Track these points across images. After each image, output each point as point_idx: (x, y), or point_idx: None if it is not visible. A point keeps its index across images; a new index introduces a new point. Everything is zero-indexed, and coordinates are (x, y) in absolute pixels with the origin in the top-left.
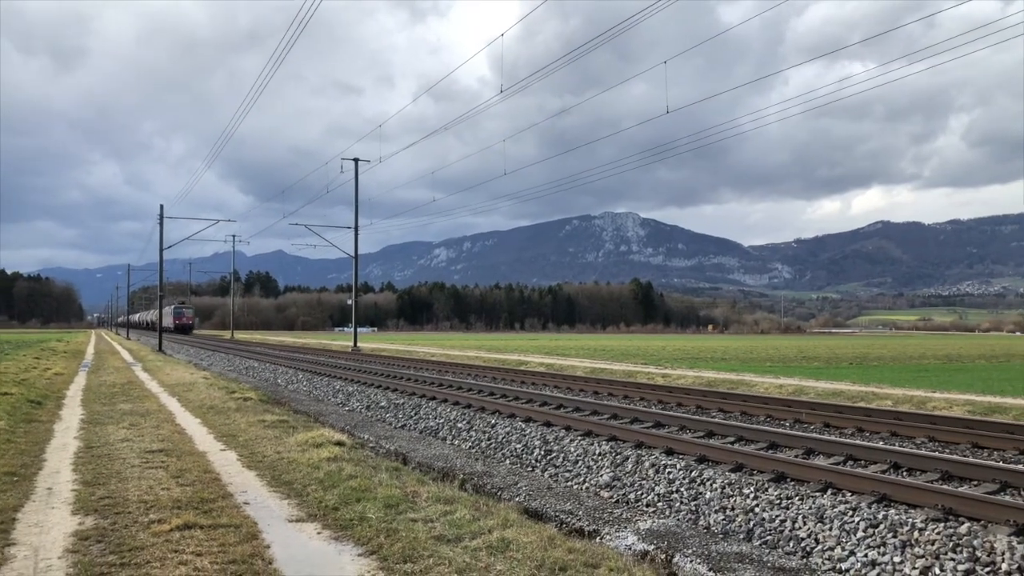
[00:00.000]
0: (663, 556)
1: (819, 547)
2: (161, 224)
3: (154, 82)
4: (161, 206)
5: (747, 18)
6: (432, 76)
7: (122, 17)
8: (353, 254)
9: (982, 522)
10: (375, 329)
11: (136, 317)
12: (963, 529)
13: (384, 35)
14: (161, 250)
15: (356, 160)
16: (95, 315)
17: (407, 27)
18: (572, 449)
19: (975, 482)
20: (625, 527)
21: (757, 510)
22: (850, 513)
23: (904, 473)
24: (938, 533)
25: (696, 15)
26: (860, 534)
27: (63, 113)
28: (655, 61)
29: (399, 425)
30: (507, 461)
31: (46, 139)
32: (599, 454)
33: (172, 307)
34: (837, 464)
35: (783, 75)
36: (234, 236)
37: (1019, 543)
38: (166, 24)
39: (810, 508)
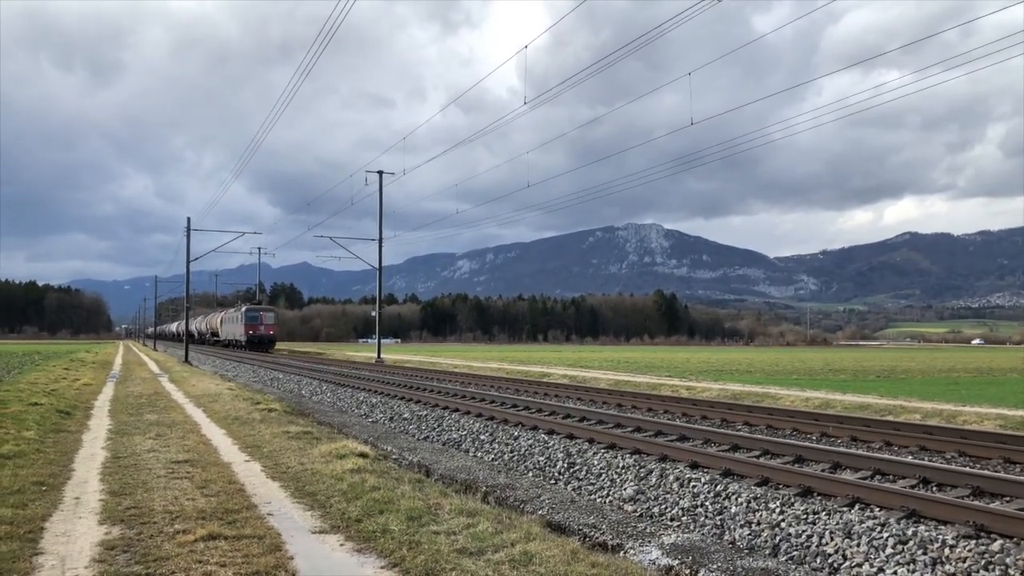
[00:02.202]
0: (688, 571)
1: (847, 563)
2: (188, 236)
3: (186, 95)
4: (188, 219)
5: (780, 26)
6: (463, 88)
7: (157, 31)
8: (377, 266)
9: (1015, 539)
10: (398, 340)
11: (175, 327)
12: (995, 546)
13: (416, 48)
14: (188, 262)
15: (380, 172)
16: (123, 326)
17: (439, 40)
18: (595, 462)
19: (1007, 498)
20: (649, 542)
21: (783, 525)
22: (878, 529)
23: (934, 488)
24: (970, 550)
25: (729, 25)
26: (889, 550)
27: (98, 127)
28: (686, 72)
29: (422, 437)
30: (530, 474)
31: (82, 153)
32: (623, 467)
33: (243, 309)
34: (865, 479)
35: (817, 85)
36: (259, 248)
37: None
38: (199, 37)
39: (837, 523)
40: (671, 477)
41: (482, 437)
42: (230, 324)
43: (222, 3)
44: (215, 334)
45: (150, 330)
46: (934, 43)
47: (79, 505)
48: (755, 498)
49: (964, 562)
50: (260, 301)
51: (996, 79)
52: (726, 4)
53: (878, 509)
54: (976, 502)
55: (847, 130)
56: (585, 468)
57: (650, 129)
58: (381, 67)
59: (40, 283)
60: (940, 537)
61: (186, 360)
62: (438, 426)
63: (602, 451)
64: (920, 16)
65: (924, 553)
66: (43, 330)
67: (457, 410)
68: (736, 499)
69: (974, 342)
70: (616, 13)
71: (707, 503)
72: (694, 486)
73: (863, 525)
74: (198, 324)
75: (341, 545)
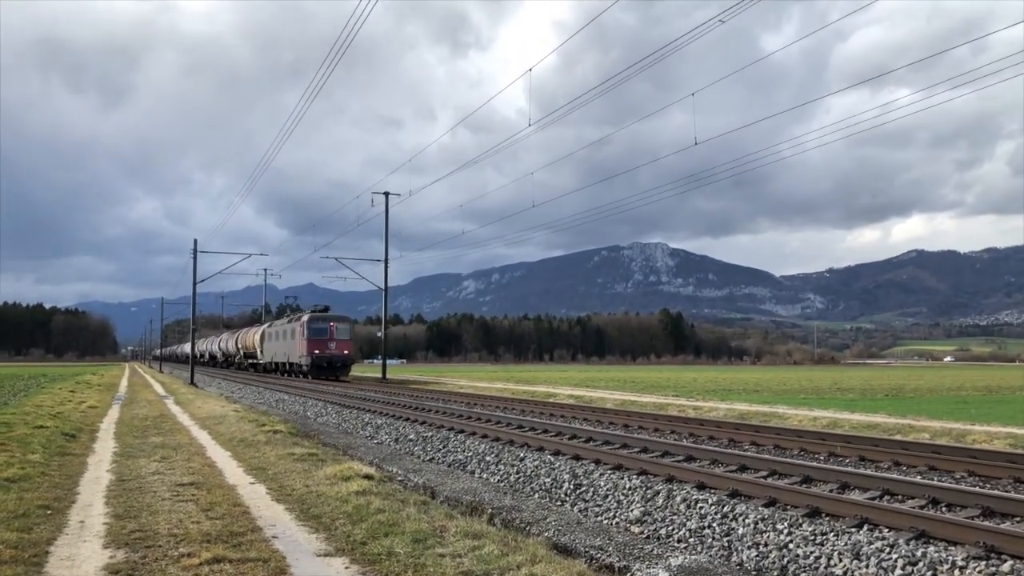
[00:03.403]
0: None
1: None
2: (195, 258)
3: (196, 117)
4: (195, 240)
5: (787, 44)
6: (472, 109)
7: (168, 53)
8: (383, 286)
9: None
10: (404, 361)
11: (203, 347)
12: (1006, 567)
13: (425, 68)
14: (195, 284)
15: (387, 194)
16: (129, 348)
17: (447, 61)
18: (602, 483)
19: (1018, 519)
20: (656, 563)
21: (791, 546)
22: (887, 550)
23: (943, 509)
24: (980, 572)
25: (738, 45)
26: (898, 572)
27: (108, 149)
28: (694, 92)
29: (427, 458)
30: (536, 495)
31: (91, 175)
32: (629, 488)
33: (304, 319)
34: (873, 499)
35: (825, 104)
36: (266, 270)
37: None
38: (209, 59)
39: (846, 544)
40: (678, 498)
41: (488, 458)
42: (280, 341)
43: (233, 25)
44: (250, 355)
45: (160, 351)
46: (943, 61)
47: (84, 529)
48: (763, 519)
49: None
50: (326, 308)
51: (1006, 96)
52: (736, 25)
53: (887, 530)
54: (986, 523)
55: (855, 149)
56: (591, 489)
57: (658, 149)
58: (390, 87)
59: (47, 305)
60: (950, 558)
61: (191, 382)
62: (443, 447)
63: (608, 472)
64: (930, 34)
65: (934, 574)
66: (49, 352)
67: (463, 431)
68: (743, 520)
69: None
70: (626, 33)
71: (714, 524)
72: (701, 507)
73: (872, 546)
74: (223, 344)
75: (346, 568)
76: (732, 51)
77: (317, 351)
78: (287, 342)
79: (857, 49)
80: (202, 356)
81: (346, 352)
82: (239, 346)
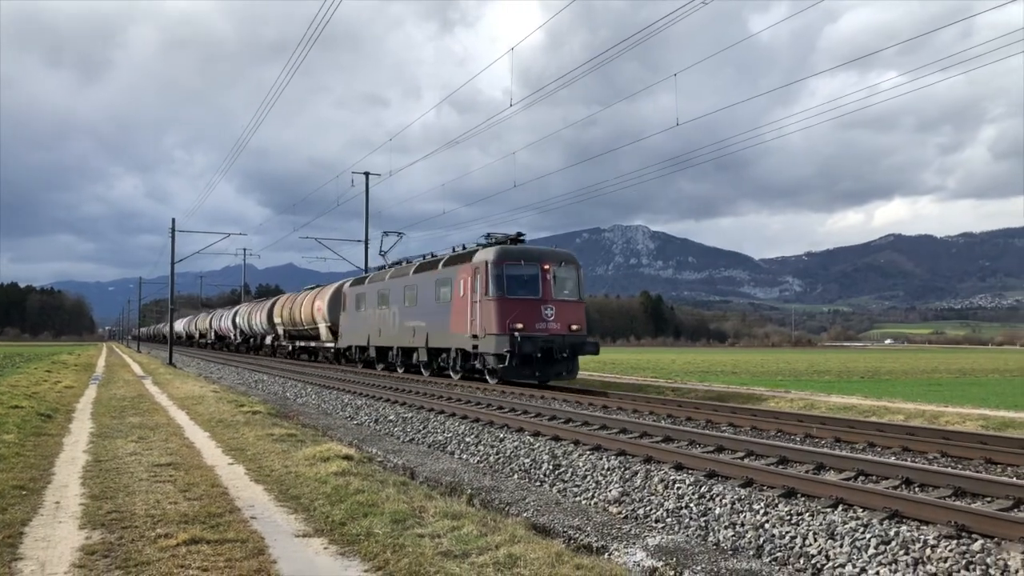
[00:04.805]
0: (672, 573)
1: (830, 564)
2: (173, 238)
3: (177, 94)
4: (173, 220)
5: (774, 23)
6: (460, 88)
7: (148, 29)
8: (364, 267)
9: (996, 539)
10: None
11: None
12: (976, 546)
13: (412, 47)
14: (173, 263)
15: (367, 174)
16: (106, 328)
17: (435, 38)
18: (581, 464)
19: (988, 498)
20: (634, 543)
21: (767, 526)
22: (861, 530)
23: (916, 489)
24: (951, 550)
25: (726, 26)
26: (872, 551)
27: (87, 126)
28: (683, 73)
29: (407, 439)
30: (515, 476)
31: (69, 153)
32: (608, 469)
33: (490, 254)
34: (848, 479)
35: (811, 87)
36: (244, 250)
37: None
38: (191, 35)
39: (821, 524)
40: (656, 479)
41: (467, 439)
42: (392, 308)
43: (215, 1)
44: (302, 335)
45: (136, 331)
46: (931, 44)
47: (59, 509)
48: (739, 499)
49: (945, 562)
50: (518, 236)
51: (996, 81)
52: (724, 6)
53: (861, 510)
54: (958, 502)
55: (841, 132)
56: (570, 470)
57: (645, 132)
58: (376, 66)
59: (22, 284)
60: (922, 537)
61: (170, 362)
62: (423, 428)
63: (588, 453)
64: (922, 17)
65: (906, 553)
66: (25, 332)
67: (442, 412)
68: (720, 500)
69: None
70: (613, 12)
71: (692, 504)
72: (679, 488)
73: (846, 526)
74: (243, 319)
75: (325, 548)
76: (723, 34)
77: (521, 325)
78: (421, 310)
79: (847, 31)
80: (202, 337)
81: (575, 328)
82: (279, 320)
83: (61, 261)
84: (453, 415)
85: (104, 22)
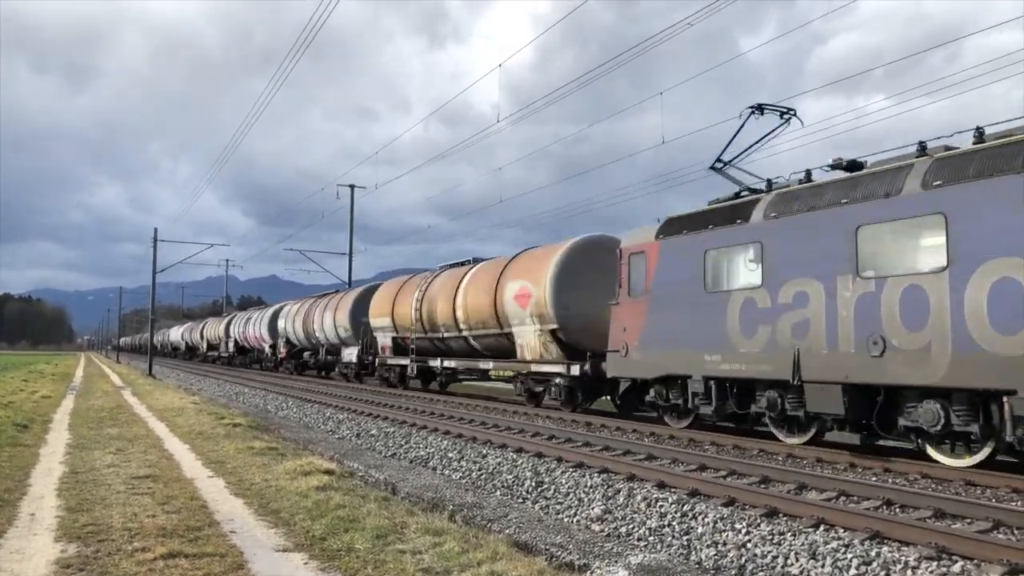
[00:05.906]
0: None
1: None
2: (155, 247)
3: (164, 102)
4: (155, 229)
5: (763, 43)
6: (449, 102)
7: (136, 36)
8: (347, 280)
9: (975, 561)
10: None
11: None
12: (956, 568)
13: (402, 60)
14: (154, 273)
15: (352, 187)
16: (85, 337)
17: (424, 52)
18: (563, 481)
19: (968, 520)
20: (616, 562)
21: (749, 546)
22: (843, 550)
23: (897, 510)
24: (931, 572)
25: (717, 51)
26: (853, 571)
27: (71, 132)
28: (674, 92)
29: (389, 454)
30: (497, 492)
31: (53, 159)
32: (590, 486)
33: None
34: (830, 500)
35: (799, 109)
36: (227, 260)
37: None
38: (179, 43)
39: (803, 544)
40: (639, 497)
41: (450, 455)
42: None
43: (204, 9)
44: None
45: (122, 341)
46: (919, 68)
47: (34, 522)
48: (721, 518)
49: None
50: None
51: (987, 105)
52: (715, 28)
53: (843, 530)
54: (938, 524)
55: (828, 153)
56: (553, 487)
57: (635, 150)
58: (366, 79)
59: (0, 292)
60: (903, 558)
61: (150, 373)
62: (405, 443)
63: (570, 470)
64: (909, 41)
65: (887, 574)
66: (2, 340)
67: (425, 427)
68: (703, 519)
69: None
70: (603, 31)
71: (674, 523)
72: (661, 506)
73: (828, 546)
74: (281, 325)
75: (305, 564)
76: (712, 56)
77: None
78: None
79: (836, 53)
80: (194, 345)
81: None
82: (290, 330)
83: (41, 268)
84: (435, 430)
85: (90, 27)
